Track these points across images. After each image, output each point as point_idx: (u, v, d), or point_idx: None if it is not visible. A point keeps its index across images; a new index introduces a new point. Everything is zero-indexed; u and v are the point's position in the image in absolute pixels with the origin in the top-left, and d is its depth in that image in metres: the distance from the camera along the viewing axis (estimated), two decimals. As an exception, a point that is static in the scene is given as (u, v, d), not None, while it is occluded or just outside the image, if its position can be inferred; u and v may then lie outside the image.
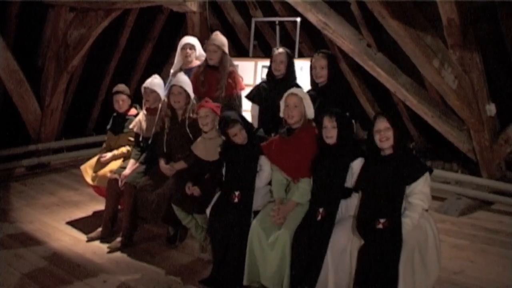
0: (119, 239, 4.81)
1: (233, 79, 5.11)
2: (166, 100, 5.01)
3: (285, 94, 4.03)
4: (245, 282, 3.86)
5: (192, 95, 4.78)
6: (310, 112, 4.02)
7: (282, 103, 4.04)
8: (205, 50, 5.23)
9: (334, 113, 3.72)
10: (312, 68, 4.52)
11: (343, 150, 3.73)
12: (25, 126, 7.42)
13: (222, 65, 5.10)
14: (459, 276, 4.18)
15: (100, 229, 5.00)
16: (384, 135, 3.47)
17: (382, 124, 3.49)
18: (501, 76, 5.94)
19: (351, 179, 3.70)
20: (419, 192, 3.44)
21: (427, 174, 3.47)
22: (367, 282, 3.31)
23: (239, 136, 4.12)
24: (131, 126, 5.22)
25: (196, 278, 4.16)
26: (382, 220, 3.37)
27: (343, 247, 3.51)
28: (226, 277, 3.96)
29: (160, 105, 5.08)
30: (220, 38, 5.14)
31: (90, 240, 4.94)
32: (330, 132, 3.70)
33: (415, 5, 5.01)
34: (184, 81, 4.76)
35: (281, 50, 4.75)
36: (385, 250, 3.28)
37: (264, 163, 4.14)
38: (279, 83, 4.74)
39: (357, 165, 3.69)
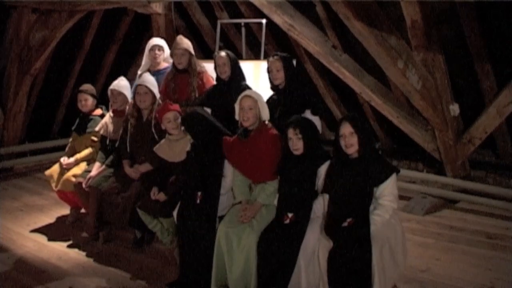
0: (85, 234, 4.81)
1: (202, 80, 5.10)
2: (132, 101, 4.99)
3: (240, 97, 4.02)
4: (212, 286, 3.82)
5: (158, 95, 4.76)
6: (265, 114, 4.01)
7: (236, 106, 4.02)
8: (171, 55, 5.20)
9: (297, 124, 3.71)
10: (268, 71, 4.51)
11: (310, 157, 3.73)
12: (-13, 130, 7.27)
13: (191, 67, 5.10)
14: (425, 274, 4.23)
15: (83, 234, 4.92)
16: (348, 141, 3.47)
17: (346, 129, 3.49)
18: (464, 77, 6.04)
19: (317, 183, 3.71)
20: (388, 193, 3.46)
21: (394, 175, 3.49)
22: (341, 282, 3.32)
23: None
24: (97, 128, 5.15)
25: (163, 282, 4.12)
26: (348, 220, 3.38)
27: (313, 248, 3.51)
28: (193, 280, 3.94)
29: (127, 107, 5.04)
30: (185, 41, 5.13)
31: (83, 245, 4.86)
32: (296, 144, 3.70)
33: (379, 6, 5.05)
34: (150, 81, 4.75)
35: (222, 53, 4.76)
36: (353, 247, 3.28)
37: (227, 168, 4.10)
38: (226, 84, 4.76)
39: (323, 169, 3.69)
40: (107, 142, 5.06)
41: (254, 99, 3.96)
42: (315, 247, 3.50)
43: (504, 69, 5.63)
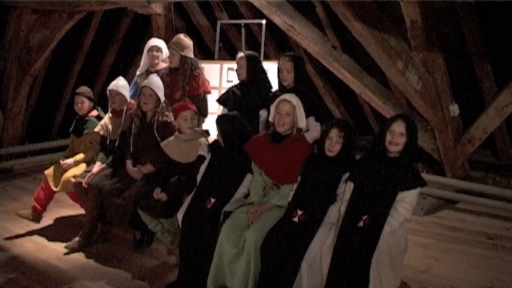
0: (77, 239, 4.74)
1: (196, 82, 5.10)
2: (132, 101, 5.00)
3: (278, 99, 3.91)
4: (208, 285, 3.78)
5: (162, 98, 4.75)
6: (302, 122, 3.91)
7: (273, 108, 3.92)
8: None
9: (344, 127, 3.64)
10: (279, 71, 4.49)
11: (340, 161, 3.66)
12: (-13, 131, 7.27)
13: (181, 67, 5.10)
14: (425, 275, 4.22)
15: (77, 238, 4.82)
16: (396, 139, 3.42)
17: (398, 127, 3.43)
18: (464, 77, 6.04)
19: (339, 188, 3.65)
20: (408, 201, 3.42)
21: (419, 188, 3.46)
22: (339, 283, 3.30)
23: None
24: (96, 129, 5.15)
25: (163, 282, 4.11)
26: (364, 217, 3.36)
27: (317, 252, 3.47)
28: (193, 281, 3.91)
29: (125, 107, 5.04)
30: (178, 40, 5.13)
31: (70, 251, 4.75)
32: (335, 146, 3.62)
33: (379, 7, 5.05)
34: (156, 83, 4.73)
35: (241, 54, 4.77)
36: (359, 249, 3.27)
37: (245, 182, 4.04)
38: (247, 86, 4.76)
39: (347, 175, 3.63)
40: (107, 142, 5.06)
41: (293, 105, 3.85)
42: (318, 250, 3.47)
43: (503, 70, 5.64)
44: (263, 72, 4.87)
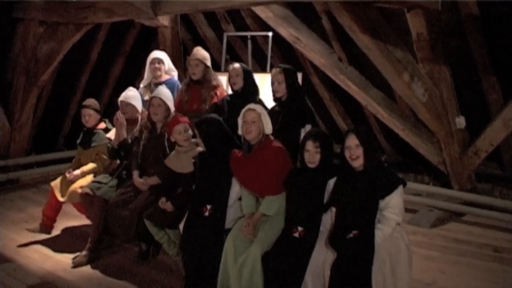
0: (84, 252, 4.73)
1: (216, 94, 5.12)
2: (145, 110, 5.02)
3: (243, 110, 3.99)
4: None
5: (172, 108, 4.75)
6: (268, 127, 3.95)
7: (240, 119, 3.99)
8: (187, 66, 5.23)
9: (318, 137, 3.68)
10: (271, 83, 4.53)
11: (322, 170, 3.69)
12: (-6, 142, 7.29)
13: (205, 78, 5.12)
14: (431, 287, 4.21)
15: (85, 252, 4.78)
16: (354, 152, 3.45)
17: (351, 141, 3.47)
18: (470, 89, 6.03)
19: (326, 196, 3.67)
20: (393, 205, 3.42)
21: (400, 187, 3.45)
22: None
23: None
24: (108, 135, 5.18)
25: (168, 294, 4.12)
26: (354, 232, 3.36)
27: (320, 262, 3.46)
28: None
29: (139, 116, 5.06)
30: (201, 52, 5.16)
31: (77, 265, 4.70)
32: (314, 157, 3.65)
33: (385, 19, 5.07)
34: (165, 93, 4.74)
35: (236, 65, 4.81)
36: (356, 259, 3.27)
37: (234, 180, 4.07)
38: (238, 96, 4.78)
39: (332, 182, 3.65)
40: (116, 147, 5.06)
41: (257, 112, 3.92)
42: (321, 262, 3.46)
43: (510, 82, 5.63)
44: (253, 83, 4.91)
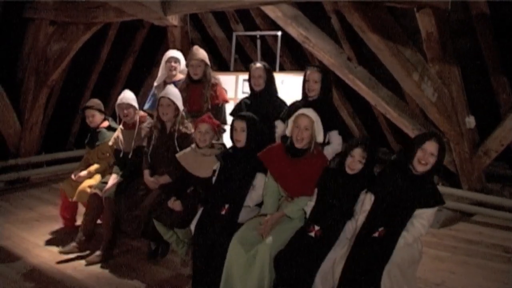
0: (98, 252, 4.75)
1: (215, 91, 5.12)
2: (142, 113, 5.03)
3: (296, 114, 3.86)
4: None
5: (181, 107, 4.76)
6: (320, 136, 3.85)
7: (290, 122, 3.87)
8: (187, 66, 5.22)
9: (368, 147, 3.58)
10: (305, 81, 4.42)
11: (361, 178, 3.62)
12: (4, 141, 7.33)
13: (205, 78, 5.13)
14: (441, 288, 4.19)
15: (73, 243, 4.88)
16: (426, 158, 3.36)
17: (430, 147, 3.36)
18: (480, 89, 6.00)
19: (357, 205, 3.60)
20: (425, 218, 3.40)
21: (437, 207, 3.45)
22: None
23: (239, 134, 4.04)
24: (110, 143, 5.18)
25: (177, 293, 4.13)
26: (380, 229, 3.35)
27: (331, 263, 3.44)
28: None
29: (137, 118, 5.07)
30: (201, 52, 5.16)
31: (63, 252, 4.82)
32: (356, 165, 3.58)
33: (394, 19, 5.05)
34: (173, 93, 4.73)
35: (258, 65, 4.75)
36: (371, 259, 3.26)
37: (258, 182, 4.01)
38: (259, 96, 4.75)
39: (364, 195, 3.58)
40: (121, 155, 5.07)
41: (312, 119, 3.79)
42: (333, 261, 3.44)
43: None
44: (274, 83, 4.87)
